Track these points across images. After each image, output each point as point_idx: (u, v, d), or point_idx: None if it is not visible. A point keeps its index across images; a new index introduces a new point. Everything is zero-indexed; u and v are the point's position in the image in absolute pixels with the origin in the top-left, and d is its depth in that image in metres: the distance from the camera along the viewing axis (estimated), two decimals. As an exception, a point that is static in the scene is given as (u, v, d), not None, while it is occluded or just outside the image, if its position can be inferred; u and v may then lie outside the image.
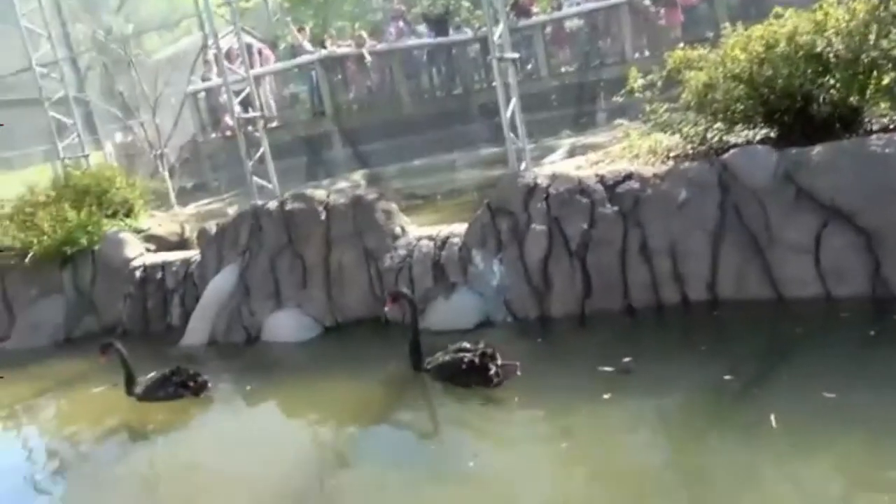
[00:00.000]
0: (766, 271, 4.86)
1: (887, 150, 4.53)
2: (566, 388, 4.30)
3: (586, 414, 3.98)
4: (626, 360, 4.37)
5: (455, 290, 5.73)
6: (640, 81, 6.07)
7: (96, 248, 7.89)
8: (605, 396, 4.05)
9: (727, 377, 3.97)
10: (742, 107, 5.39)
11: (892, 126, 5.03)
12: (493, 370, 4.39)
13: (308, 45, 13.28)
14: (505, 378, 4.41)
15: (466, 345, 4.59)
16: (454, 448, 3.90)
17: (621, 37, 12.86)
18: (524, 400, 4.30)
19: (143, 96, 11.46)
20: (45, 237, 7.96)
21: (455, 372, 4.50)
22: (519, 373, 4.46)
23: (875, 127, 5.16)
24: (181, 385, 5.11)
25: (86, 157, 11.07)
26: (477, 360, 4.42)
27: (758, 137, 5.57)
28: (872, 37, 4.88)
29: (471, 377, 4.43)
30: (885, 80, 4.95)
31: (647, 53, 12.32)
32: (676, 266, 5.10)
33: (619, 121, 7.59)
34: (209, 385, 5.20)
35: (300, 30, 14.29)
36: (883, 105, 5.17)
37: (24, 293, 8.26)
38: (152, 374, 5.27)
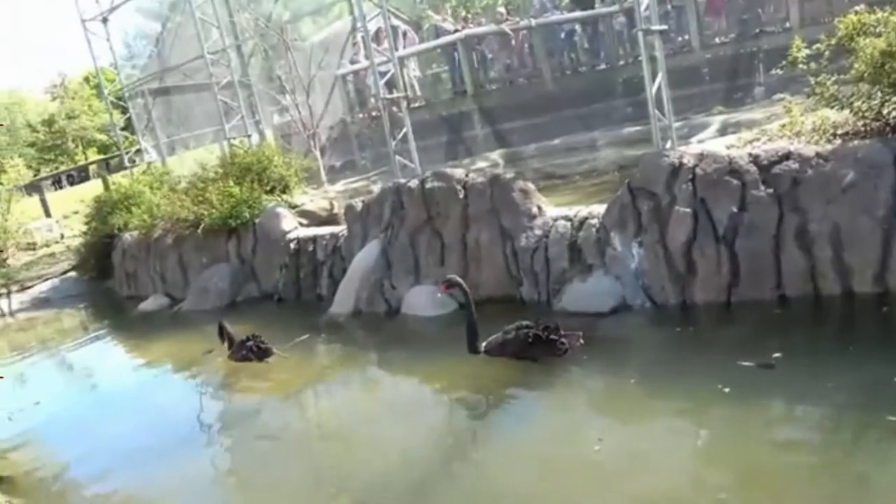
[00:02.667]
0: (948, 264, 4.33)
1: None
2: (697, 379, 4.11)
3: (717, 407, 3.79)
4: (776, 355, 4.08)
5: (591, 273, 5.65)
6: (805, 51, 5.56)
7: (257, 221, 8.62)
8: (742, 391, 3.83)
9: None
10: (929, 78, 4.78)
11: None
12: (559, 340, 4.55)
13: (448, 25, 13.41)
14: (569, 347, 4.59)
15: (526, 322, 4.73)
16: (578, 428, 3.95)
17: (786, 2, 11.75)
18: (649, 389, 4.19)
19: (298, 79, 12.17)
20: (214, 210, 8.82)
21: (521, 347, 4.67)
22: (581, 342, 4.61)
23: None
24: (250, 350, 5.94)
25: (248, 136, 12.06)
26: (542, 333, 4.58)
27: (946, 112, 4.93)
28: None
29: (537, 349, 4.60)
30: None
31: (816, 20, 11.18)
32: (839, 255, 4.68)
33: (778, 95, 7.00)
34: (273, 352, 5.96)
35: (439, 10, 14.44)
36: None
37: (197, 260, 9.29)
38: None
